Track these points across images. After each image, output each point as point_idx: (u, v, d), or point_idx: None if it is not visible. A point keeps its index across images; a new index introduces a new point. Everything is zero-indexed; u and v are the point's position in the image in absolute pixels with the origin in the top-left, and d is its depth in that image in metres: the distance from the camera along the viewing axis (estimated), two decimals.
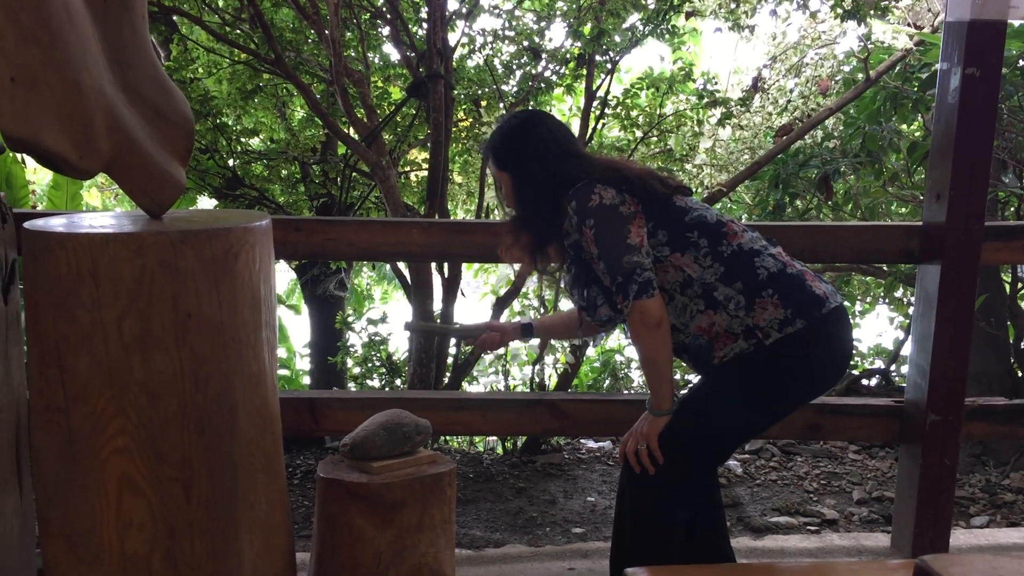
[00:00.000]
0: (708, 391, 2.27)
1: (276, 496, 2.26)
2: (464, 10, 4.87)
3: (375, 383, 5.04)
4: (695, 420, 2.23)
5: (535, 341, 5.11)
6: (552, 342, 4.95)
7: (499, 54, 5.13)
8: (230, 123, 5.42)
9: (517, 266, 4.89)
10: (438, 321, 4.48)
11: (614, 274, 2.16)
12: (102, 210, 8.38)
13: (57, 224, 2.04)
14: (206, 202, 6.08)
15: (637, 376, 6.21)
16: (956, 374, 2.91)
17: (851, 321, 2.31)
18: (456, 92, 4.85)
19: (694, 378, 2.43)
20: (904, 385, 4.15)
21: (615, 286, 2.16)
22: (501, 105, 5.10)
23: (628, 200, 2.21)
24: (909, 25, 4.80)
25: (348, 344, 5.15)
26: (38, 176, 7.54)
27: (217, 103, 5.10)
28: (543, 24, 4.90)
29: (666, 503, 2.25)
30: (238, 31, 5.05)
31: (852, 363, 5.82)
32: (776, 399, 2.26)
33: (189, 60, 5.20)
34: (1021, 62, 3.85)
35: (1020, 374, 4.61)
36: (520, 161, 2.32)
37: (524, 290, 4.97)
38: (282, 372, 7.31)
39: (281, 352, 7.50)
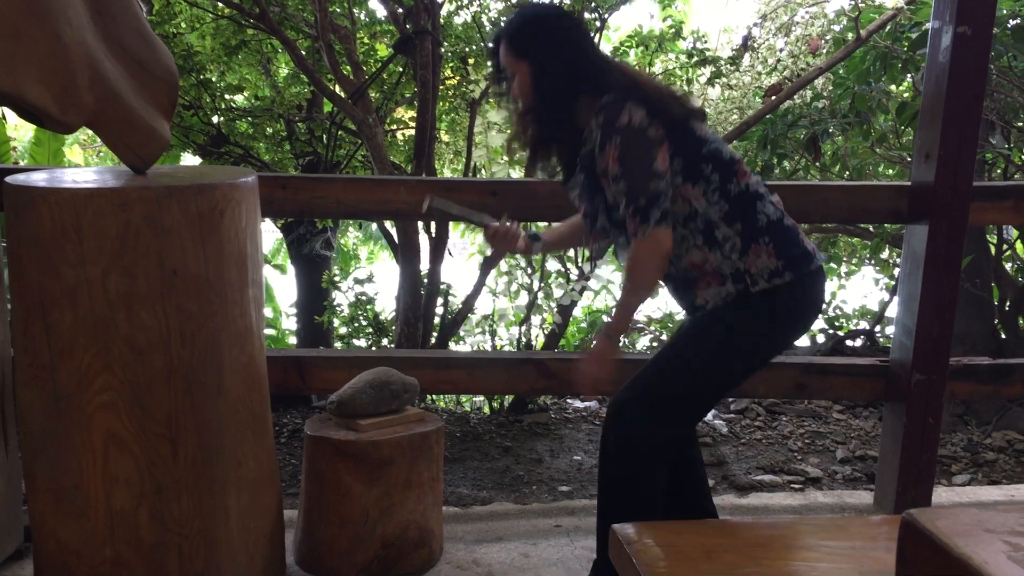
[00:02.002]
0: (690, 341, 2.25)
1: (263, 453, 2.26)
2: None
3: (362, 343, 5.03)
4: (678, 373, 2.22)
5: (522, 300, 5.11)
6: (539, 301, 4.95)
7: (487, 10, 5.06)
8: (214, 79, 5.34)
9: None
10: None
11: (636, 196, 2.09)
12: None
13: (39, 179, 2.01)
14: (190, 159, 6.03)
15: (623, 337, 6.22)
16: (941, 334, 2.93)
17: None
18: (443, 49, 4.79)
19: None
20: (888, 346, 4.18)
21: (634, 208, 2.09)
22: (489, 63, 5.04)
23: (656, 123, 2.12)
24: None
25: (335, 304, 5.13)
26: (19, 133, 7.45)
27: (201, 59, 5.03)
28: None
29: (647, 459, 2.24)
30: None
31: (837, 324, 5.86)
32: (754, 346, 2.25)
33: (172, 14, 5.11)
34: (1012, 22, 3.83)
35: (1004, 335, 4.64)
36: (542, 51, 2.22)
37: None
38: (268, 332, 7.30)
39: (267, 312, 7.48)
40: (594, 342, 2.27)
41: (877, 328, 5.57)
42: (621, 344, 2.25)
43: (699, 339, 2.23)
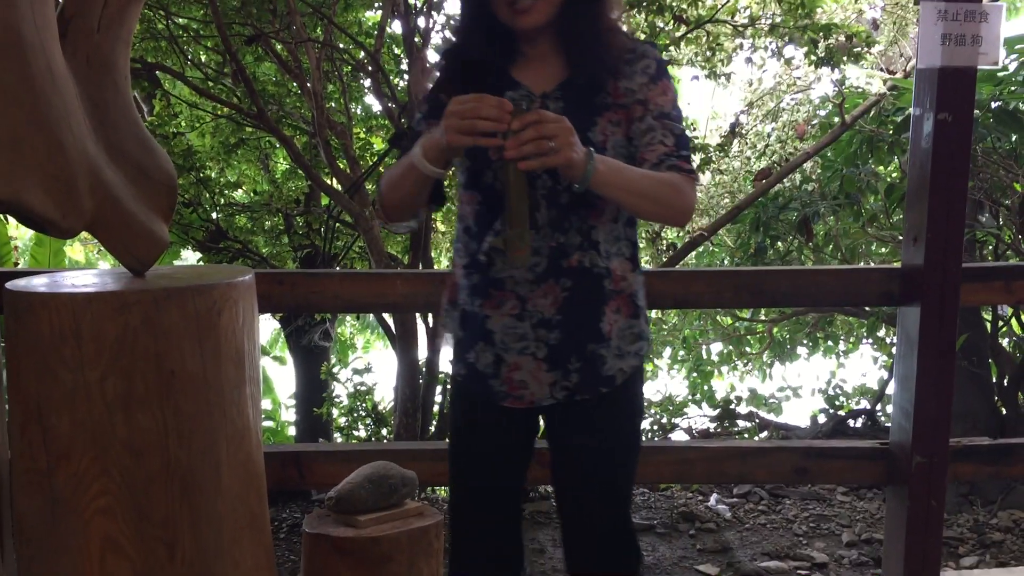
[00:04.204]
0: (627, 438, 2.12)
1: (261, 553, 2.24)
2: None
3: (361, 433, 5.02)
4: (631, 473, 2.18)
5: None
6: None
7: None
8: (213, 176, 5.44)
9: None
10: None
11: (685, 144, 1.94)
12: (85, 264, 8.36)
13: (39, 283, 2.04)
14: (190, 255, 6.09)
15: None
16: (940, 415, 2.92)
17: None
18: None
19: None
20: (890, 425, 4.17)
21: (686, 154, 1.92)
22: None
23: None
24: (882, 70, 4.89)
25: (333, 395, 5.13)
26: (20, 232, 7.53)
27: (200, 157, 5.13)
28: None
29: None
30: (221, 85, 5.09)
31: (838, 403, 5.84)
32: None
33: (172, 115, 5.23)
34: (994, 104, 3.92)
35: (1004, 412, 4.63)
36: None
37: None
38: (267, 424, 7.26)
39: (266, 403, 7.46)
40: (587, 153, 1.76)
41: (878, 407, 5.56)
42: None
43: (630, 431, 2.13)
